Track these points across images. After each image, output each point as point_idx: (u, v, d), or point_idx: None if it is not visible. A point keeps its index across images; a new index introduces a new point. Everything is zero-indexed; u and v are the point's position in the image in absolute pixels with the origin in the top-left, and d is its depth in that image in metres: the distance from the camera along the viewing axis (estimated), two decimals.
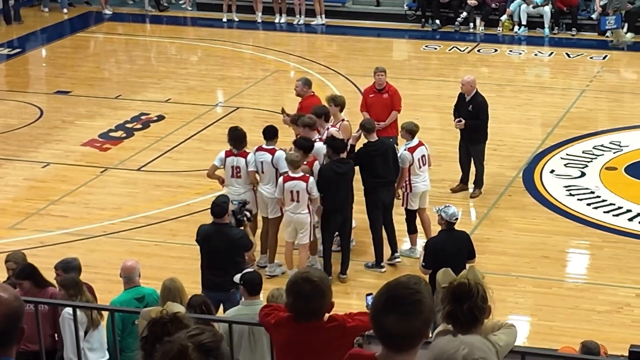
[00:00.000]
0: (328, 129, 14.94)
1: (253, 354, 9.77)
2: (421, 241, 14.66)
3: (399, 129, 15.64)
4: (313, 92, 16.43)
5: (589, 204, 16.60)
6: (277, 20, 27.76)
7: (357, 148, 14.78)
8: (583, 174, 17.63)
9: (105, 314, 10.21)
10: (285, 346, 6.34)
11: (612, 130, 19.65)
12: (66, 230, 16.04)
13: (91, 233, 15.96)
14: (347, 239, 14.58)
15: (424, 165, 15.06)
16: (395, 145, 15.69)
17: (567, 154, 18.50)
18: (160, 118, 20.74)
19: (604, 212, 16.34)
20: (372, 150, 14.48)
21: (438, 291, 5.97)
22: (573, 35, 25.93)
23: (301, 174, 13.93)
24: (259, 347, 9.76)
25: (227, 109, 21.28)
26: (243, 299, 10.50)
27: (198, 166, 18.08)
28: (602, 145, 18.82)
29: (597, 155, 18.38)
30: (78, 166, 18.52)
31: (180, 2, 29.56)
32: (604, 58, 24.31)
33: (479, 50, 25.20)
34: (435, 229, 13.88)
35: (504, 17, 26.39)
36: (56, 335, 10.49)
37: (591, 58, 24.32)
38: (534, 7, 25.99)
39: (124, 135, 19.94)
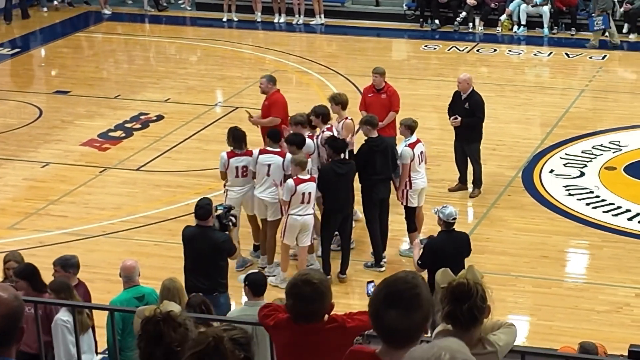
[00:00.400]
0: (324, 131, 14.91)
1: (257, 355, 9.74)
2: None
3: (398, 129, 15.65)
4: (278, 88, 16.41)
5: (588, 204, 16.60)
6: (276, 20, 27.76)
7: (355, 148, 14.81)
8: (582, 174, 17.63)
9: (104, 314, 10.19)
10: (286, 347, 6.33)
11: (612, 130, 19.65)
12: (65, 230, 16.04)
13: (90, 233, 15.96)
14: (348, 238, 14.59)
15: (422, 162, 15.09)
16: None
17: (566, 154, 18.50)
18: (160, 118, 20.73)
19: (604, 211, 16.34)
20: (374, 146, 14.52)
21: (437, 291, 5.97)
22: (572, 35, 25.93)
23: (309, 175, 13.93)
24: (262, 347, 9.74)
25: (227, 108, 21.27)
26: (247, 300, 10.48)
27: (197, 166, 18.09)
28: (601, 145, 18.82)
29: (597, 155, 18.38)
30: (77, 166, 18.51)
31: (180, 2, 29.56)
32: (603, 58, 24.32)
33: (478, 50, 25.20)
34: (431, 228, 13.91)
35: (503, 17, 26.40)
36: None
37: (590, 58, 24.32)
38: (533, 7, 25.99)
39: (123, 135, 19.94)
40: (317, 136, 14.90)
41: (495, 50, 25.18)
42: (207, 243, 12.22)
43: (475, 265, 6.16)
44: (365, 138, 14.72)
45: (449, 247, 12.13)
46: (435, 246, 12.25)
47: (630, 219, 16.11)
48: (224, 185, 14.85)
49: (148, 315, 4.93)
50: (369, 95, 16.76)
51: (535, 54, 24.95)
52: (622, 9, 25.82)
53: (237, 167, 14.47)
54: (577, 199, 16.78)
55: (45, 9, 29.16)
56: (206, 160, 18.13)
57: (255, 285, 10.34)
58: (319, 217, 14.60)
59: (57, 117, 20.98)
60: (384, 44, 26.54)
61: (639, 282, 14.36)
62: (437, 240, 12.38)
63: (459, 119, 16.40)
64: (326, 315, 6.21)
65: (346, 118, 15.56)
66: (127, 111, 21.11)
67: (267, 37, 26.80)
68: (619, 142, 18.93)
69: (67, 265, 10.86)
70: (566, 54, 24.60)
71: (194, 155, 18.78)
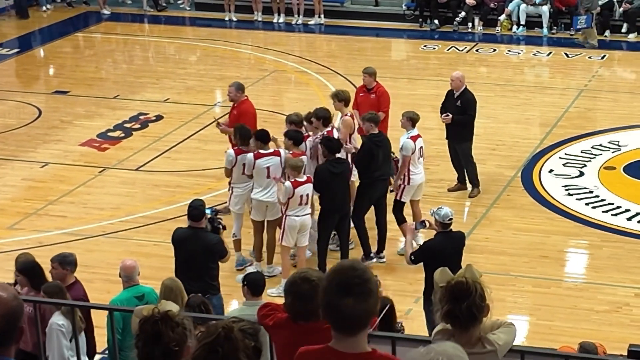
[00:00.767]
0: (323, 134, 14.93)
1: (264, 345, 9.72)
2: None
3: (395, 124, 15.69)
4: (247, 96, 16.34)
5: (587, 204, 16.60)
6: (275, 20, 27.76)
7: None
8: (582, 174, 17.63)
9: (104, 314, 10.16)
10: (285, 347, 6.32)
11: (611, 129, 19.65)
12: (65, 230, 16.03)
13: (90, 233, 15.95)
14: (346, 238, 14.59)
15: (421, 157, 15.15)
16: None
17: (565, 154, 18.50)
18: (159, 118, 20.73)
19: (603, 211, 16.34)
20: (377, 142, 14.57)
21: (436, 291, 5.96)
22: (572, 35, 25.92)
23: (305, 177, 13.93)
24: (263, 347, 9.73)
25: (226, 109, 21.25)
26: (245, 299, 10.46)
27: (196, 166, 18.09)
28: (600, 145, 18.82)
29: (596, 155, 18.38)
30: (76, 166, 18.51)
31: (179, 2, 29.56)
32: (602, 58, 24.32)
33: (477, 50, 25.21)
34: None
35: (502, 17, 26.40)
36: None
37: (589, 58, 24.32)
38: (530, 5, 26.00)
39: (123, 135, 19.93)
40: (315, 138, 14.86)
41: (494, 50, 25.18)
42: (199, 245, 12.16)
43: (474, 265, 6.15)
44: (367, 135, 14.76)
45: (448, 248, 12.09)
46: (434, 247, 12.19)
47: (629, 218, 16.11)
48: (229, 183, 14.85)
49: (146, 315, 4.92)
50: (360, 94, 16.86)
51: (534, 54, 24.95)
52: (621, 9, 25.83)
53: (244, 164, 14.48)
54: (577, 199, 16.78)
55: (44, 8, 29.16)
56: (205, 160, 18.14)
57: (254, 285, 10.33)
58: None
59: (56, 117, 20.98)
60: (383, 44, 26.54)
61: (638, 281, 14.36)
62: (435, 242, 12.32)
63: (450, 116, 16.45)
64: None
65: (346, 115, 15.61)
66: (126, 111, 21.11)
67: (267, 37, 26.80)
68: (618, 142, 18.93)
69: (64, 262, 10.82)
70: (565, 54, 24.60)
71: (193, 156, 18.78)
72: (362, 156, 14.59)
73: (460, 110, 16.48)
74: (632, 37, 25.61)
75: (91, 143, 19.52)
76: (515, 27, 26.28)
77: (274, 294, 13.73)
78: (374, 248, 15.07)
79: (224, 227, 12.81)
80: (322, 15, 27.51)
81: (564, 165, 18.06)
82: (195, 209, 12.38)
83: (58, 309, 9.97)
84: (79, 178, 17.96)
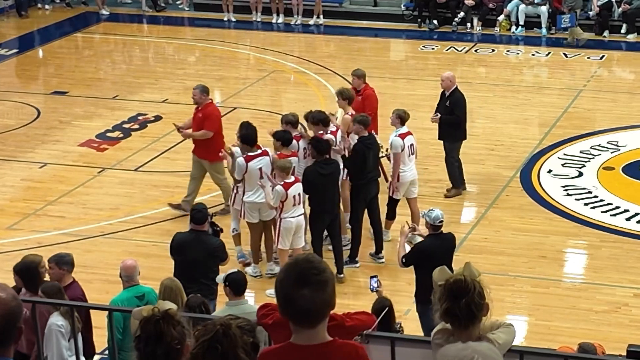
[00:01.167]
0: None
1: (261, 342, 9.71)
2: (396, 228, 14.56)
3: (387, 124, 15.76)
4: (211, 99, 16.32)
5: (586, 204, 16.61)
6: (274, 21, 27.76)
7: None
8: (580, 174, 17.63)
9: (104, 314, 10.15)
10: None
11: (610, 130, 19.66)
12: (63, 230, 16.03)
13: (88, 233, 15.95)
14: (338, 238, 14.60)
15: (412, 154, 15.21)
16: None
17: (564, 154, 18.51)
18: (158, 118, 20.73)
19: (602, 212, 16.34)
20: (368, 144, 14.60)
21: (435, 290, 5.96)
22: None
23: (293, 178, 13.93)
24: (261, 344, 9.72)
25: (225, 109, 21.26)
26: (228, 300, 10.43)
27: None
28: (599, 145, 18.83)
29: (595, 155, 18.39)
30: (75, 166, 18.51)
31: (177, 2, 29.56)
32: (601, 58, 24.33)
33: (476, 51, 25.21)
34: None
35: (501, 17, 26.41)
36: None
37: (588, 58, 24.33)
38: (528, 4, 26.01)
39: (121, 135, 19.93)
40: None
41: (493, 50, 25.19)
42: (202, 248, 12.15)
43: (472, 263, 6.15)
44: (358, 137, 14.77)
45: (439, 250, 12.06)
46: (425, 249, 12.16)
47: (628, 219, 16.12)
48: (235, 184, 14.85)
49: (146, 315, 4.92)
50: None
51: (533, 54, 24.96)
52: (620, 9, 25.84)
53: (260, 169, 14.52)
54: (576, 199, 16.79)
55: (40, 5, 29.20)
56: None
57: (236, 285, 10.34)
58: None
59: (55, 118, 20.98)
60: (382, 44, 26.54)
61: (637, 282, 14.37)
62: (426, 244, 12.30)
63: (439, 115, 16.50)
64: None
65: (346, 114, 15.64)
66: (125, 112, 21.11)
67: (265, 38, 26.80)
68: (617, 142, 18.94)
69: (61, 262, 10.81)
70: (564, 54, 24.61)
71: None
72: (354, 159, 14.58)
73: (448, 111, 16.55)
74: (631, 37, 25.62)
75: (90, 143, 19.52)
76: (514, 27, 26.29)
77: (272, 294, 13.68)
78: (371, 249, 15.09)
79: (222, 230, 12.85)
80: (321, 16, 27.52)
81: (562, 165, 18.06)
82: (199, 212, 12.38)
83: (57, 309, 9.96)
84: (77, 178, 17.96)
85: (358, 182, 14.68)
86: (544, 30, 25.94)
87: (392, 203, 15.33)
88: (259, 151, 14.37)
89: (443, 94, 16.82)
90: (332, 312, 6.24)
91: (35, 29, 28.00)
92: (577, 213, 16.33)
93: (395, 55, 26.27)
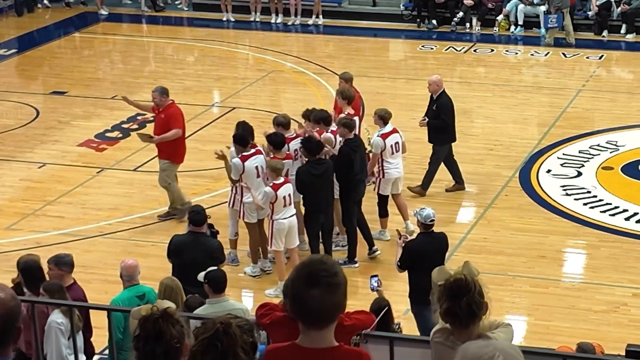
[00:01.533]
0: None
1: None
2: (395, 225, 14.53)
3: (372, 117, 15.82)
4: (172, 100, 16.27)
5: (585, 204, 16.61)
6: (273, 21, 27.76)
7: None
8: (579, 174, 17.64)
9: (104, 314, 10.13)
10: None
11: (609, 129, 19.67)
12: (62, 230, 16.03)
13: (87, 233, 15.95)
14: (329, 238, 14.62)
15: (396, 152, 15.31)
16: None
17: (563, 154, 18.51)
18: None
19: (601, 211, 16.35)
20: (354, 147, 14.64)
21: (434, 291, 5.96)
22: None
23: (283, 179, 13.92)
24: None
25: (224, 109, 21.27)
26: (209, 297, 10.42)
27: (194, 166, 18.06)
28: (598, 145, 18.83)
29: (594, 155, 18.39)
30: (74, 166, 18.50)
31: (177, 2, 29.55)
32: (600, 58, 24.34)
33: (475, 50, 25.22)
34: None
35: (500, 17, 26.42)
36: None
37: (587, 58, 24.34)
38: (528, 4, 26.00)
39: (120, 135, 19.93)
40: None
41: (492, 50, 25.19)
42: (201, 249, 12.14)
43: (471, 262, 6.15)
44: (343, 140, 14.74)
45: (429, 249, 12.06)
46: (415, 248, 12.16)
47: (627, 218, 16.12)
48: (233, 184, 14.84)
49: (145, 314, 4.93)
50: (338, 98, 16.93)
51: (532, 54, 24.96)
52: (619, 9, 25.84)
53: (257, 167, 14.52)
54: (575, 199, 16.79)
55: (40, 5, 29.21)
56: (203, 161, 18.11)
57: (216, 283, 10.34)
58: None
59: (54, 118, 20.97)
60: (381, 44, 26.54)
61: (636, 281, 14.37)
62: (416, 242, 12.30)
63: (426, 120, 16.53)
64: None
65: (345, 113, 15.66)
66: (124, 112, 21.07)
67: (264, 38, 26.79)
68: (616, 142, 18.94)
69: (60, 262, 10.78)
70: (563, 54, 24.62)
71: (191, 156, 18.67)
72: (341, 162, 14.57)
73: (435, 115, 16.56)
74: (630, 37, 25.63)
75: (89, 143, 19.52)
76: (513, 27, 26.29)
77: (271, 294, 13.73)
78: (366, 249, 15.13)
79: (218, 232, 12.87)
80: (320, 16, 27.51)
81: (561, 165, 18.06)
82: (198, 214, 12.39)
83: (58, 307, 9.94)
84: (76, 178, 17.96)
85: (346, 184, 14.69)
86: (543, 30, 25.93)
87: (382, 200, 15.44)
88: (253, 150, 14.37)
89: (431, 97, 16.82)
90: None
91: (35, 29, 27.99)
92: (576, 213, 16.33)
93: (394, 55, 26.27)
